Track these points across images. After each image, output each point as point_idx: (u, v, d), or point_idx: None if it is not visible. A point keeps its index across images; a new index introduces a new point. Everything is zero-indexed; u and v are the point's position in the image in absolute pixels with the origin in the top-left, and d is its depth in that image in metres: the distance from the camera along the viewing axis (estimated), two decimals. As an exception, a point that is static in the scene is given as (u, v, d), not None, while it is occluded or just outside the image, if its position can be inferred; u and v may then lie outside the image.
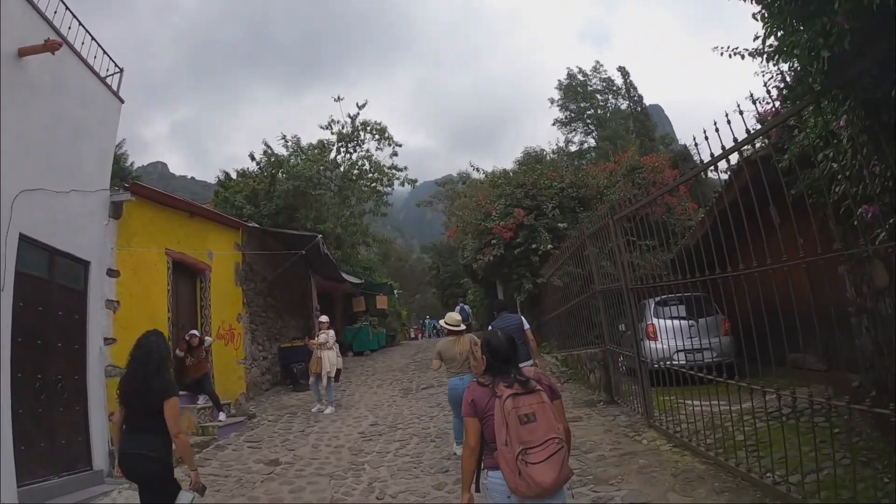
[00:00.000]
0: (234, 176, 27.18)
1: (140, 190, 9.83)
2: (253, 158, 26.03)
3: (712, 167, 5.33)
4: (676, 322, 7.39)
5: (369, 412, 10.57)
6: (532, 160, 17.46)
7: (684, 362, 6.34)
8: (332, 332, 11.42)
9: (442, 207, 46.63)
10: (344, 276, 18.99)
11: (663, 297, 7.16)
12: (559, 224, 15.13)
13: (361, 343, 21.15)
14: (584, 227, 9.68)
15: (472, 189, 32.61)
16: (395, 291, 33.48)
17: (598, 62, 56.18)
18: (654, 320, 8.54)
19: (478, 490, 3.13)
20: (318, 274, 18.21)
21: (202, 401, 10.33)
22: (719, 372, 5.27)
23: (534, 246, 14.95)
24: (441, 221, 49.87)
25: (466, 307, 30.13)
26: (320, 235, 13.66)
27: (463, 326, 7.21)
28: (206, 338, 10.89)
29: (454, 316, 7.29)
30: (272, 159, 25.05)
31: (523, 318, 8.04)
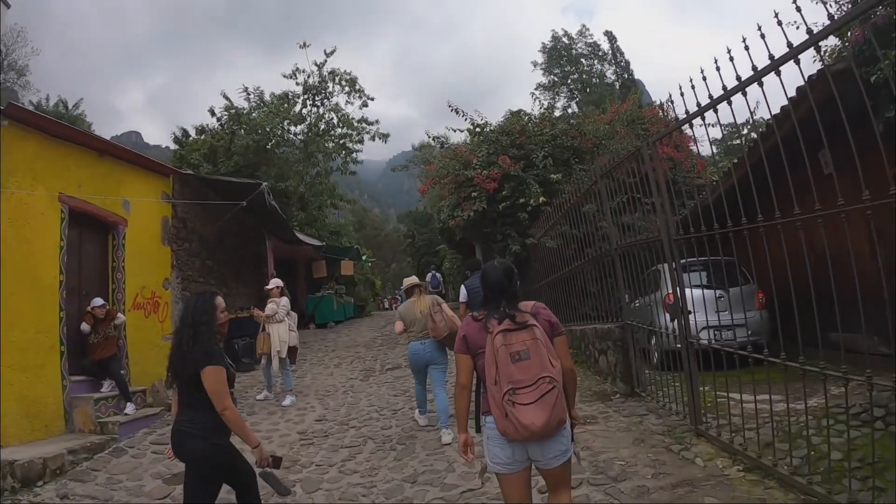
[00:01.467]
0: (193, 134, 24.85)
1: (19, 114, 7.53)
2: (213, 114, 23.48)
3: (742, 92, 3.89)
4: (698, 292, 5.79)
5: (318, 402, 8.50)
6: (516, 116, 15.31)
7: (710, 341, 5.09)
8: (284, 301, 9.22)
9: (418, 173, 44.40)
10: (301, 237, 16.70)
11: (683, 261, 5.64)
12: (552, 175, 12.93)
13: (324, 314, 18.96)
14: (597, 167, 7.55)
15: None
16: (367, 259, 31.25)
17: (584, 26, 53.68)
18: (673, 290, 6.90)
19: (478, 431, 2.96)
20: (274, 235, 15.94)
21: (107, 387, 8.23)
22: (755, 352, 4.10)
23: (522, 200, 12.75)
24: (418, 188, 47.77)
25: (438, 275, 28.78)
26: (265, 183, 11.38)
27: (417, 281, 6.92)
28: (119, 315, 8.68)
29: (409, 279, 7.00)
30: (232, 112, 22.52)
31: None
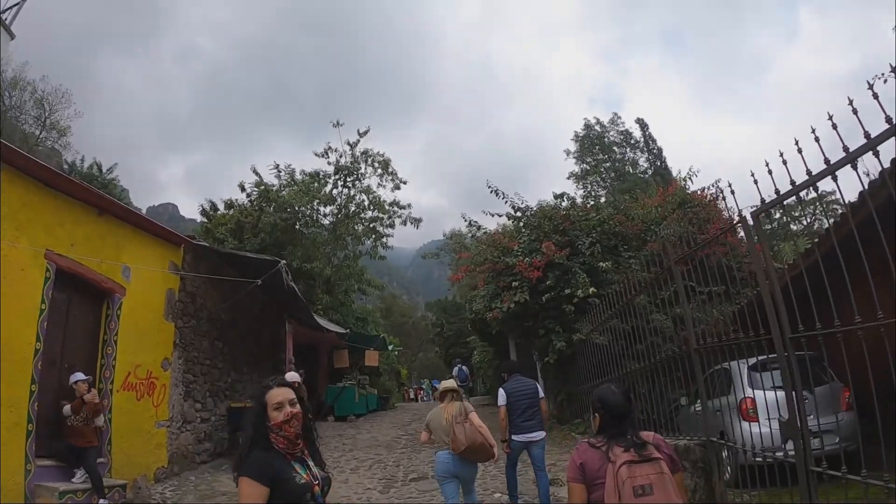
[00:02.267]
0: (222, 208, 24.37)
1: (7, 154, 6.62)
2: (243, 189, 23.04)
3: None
4: (780, 393, 4.58)
5: (327, 521, 6.92)
6: (558, 200, 14.14)
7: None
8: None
9: (448, 260, 43.57)
10: (322, 322, 15.45)
11: (761, 358, 4.74)
12: (600, 264, 11.63)
13: (344, 406, 17.39)
14: (670, 249, 6.29)
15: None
16: (393, 347, 29.79)
17: (615, 114, 53.82)
18: (750, 391, 6.16)
19: None
20: (295, 319, 14.72)
21: (79, 477, 7.00)
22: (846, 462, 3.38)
23: (567, 291, 11.41)
24: (448, 276, 46.86)
25: (465, 368, 26.62)
26: (283, 262, 10.25)
27: (454, 386, 6.25)
28: (92, 390, 7.41)
29: (446, 382, 6.39)
30: (261, 189, 22.02)
31: (538, 385, 7.26)
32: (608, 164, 41.05)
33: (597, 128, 42.52)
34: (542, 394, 7.04)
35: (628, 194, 32.29)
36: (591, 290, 10.95)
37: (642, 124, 43.66)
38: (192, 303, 10.46)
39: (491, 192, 13.83)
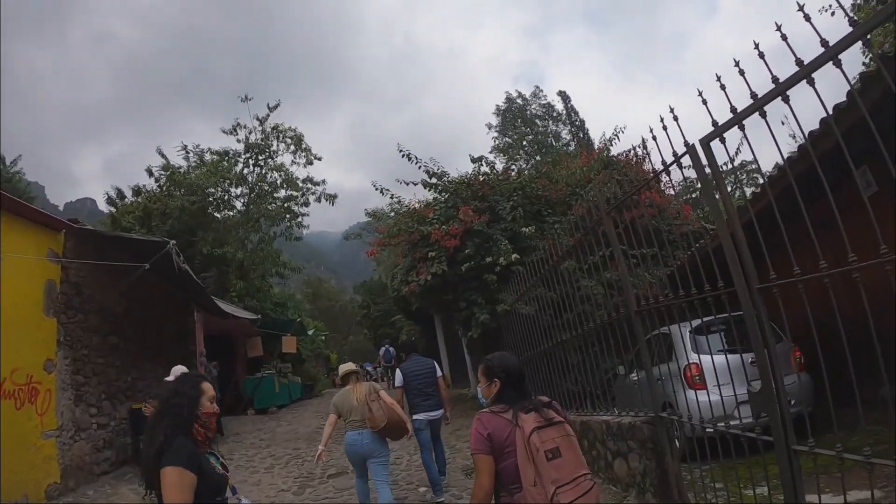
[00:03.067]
0: (129, 195, 22.72)
1: None
2: (151, 174, 21.49)
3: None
4: (725, 357, 4.31)
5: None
6: (477, 164, 13.14)
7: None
8: None
9: (372, 241, 42.62)
10: (228, 308, 14.40)
11: (705, 318, 4.44)
12: (523, 229, 10.97)
13: (264, 398, 16.40)
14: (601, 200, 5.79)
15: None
16: (315, 332, 28.72)
17: (537, 87, 54.00)
18: (695, 357, 5.83)
19: None
20: (204, 307, 13.66)
21: None
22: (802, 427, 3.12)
23: (489, 260, 10.68)
24: (374, 257, 45.83)
25: (391, 349, 26.82)
26: (173, 242, 9.28)
27: (354, 368, 6.25)
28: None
29: (345, 366, 6.33)
30: (169, 172, 20.53)
31: (436, 364, 7.28)
32: (531, 138, 40.95)
33: (518, 101, 42.24)
34: (440, 372, 7.12)
35: (551, 161, 32.29)
36: (514, 256, 10.33)
37: (564, 97, 43.65)
38: (77, 295, 9.32)
39: (403, 156, 12.89)
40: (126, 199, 22.74)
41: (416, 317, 19.67)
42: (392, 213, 35.95)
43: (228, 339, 16.67)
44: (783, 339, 6.19)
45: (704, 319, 4.49)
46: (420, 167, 12.59)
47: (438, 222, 11.46)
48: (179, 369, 6.79)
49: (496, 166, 13.57)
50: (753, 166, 18.71)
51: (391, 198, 13.04)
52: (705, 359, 5.13)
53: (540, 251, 7.74)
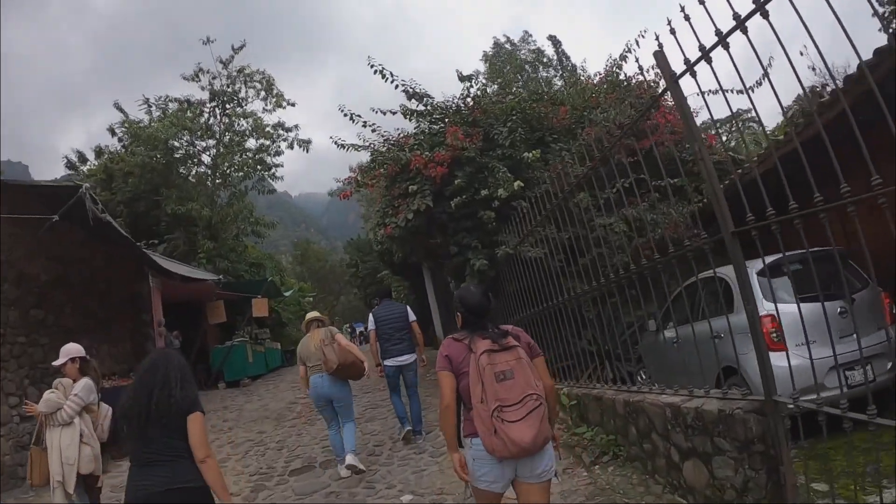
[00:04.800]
0: (92, 158, 20.85)
1: None
2: (113, 133, 19.51)
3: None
4: (807, 307, 3.24)
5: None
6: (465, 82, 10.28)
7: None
8: (81, 386, 4.86)
9: (358, 197, 40.84)
10: (178, 269, 12.66)
11: (775, 257, 3.45)
12: (526, 154, 8.98)
13: (235, 368, 14.73)
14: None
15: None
16: (293, 292, 26.89)
17: (526, 32, 51.14)
18: (770, 306, 4.23)
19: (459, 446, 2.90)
20: (160, 271, 11.94)
21: None
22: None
23: (484, 193, 8.72)
24: (360, 213, 44.14)
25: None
26: (86, 185, 7.55)
27: (317, 316, 6.60)
28: None
29: (309, 314, 6.71)
30: (130, 126, 18.59)
31: (408, 308, 7.27)
32: (520, 83, 38.83)
33: (507, 46, 39.94)
34: (412, 317, 7.09)
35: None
36: (518, 184, 8.47)
37: (555, 41, 41.19)
38: (-17, 261, 7.68)
39: (375, 72, 9.89)
40: (88, 163, 20.89)
41: (403, 271, 17.94)
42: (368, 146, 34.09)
43: (195, 305, 14.96)
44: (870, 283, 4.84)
45: (776, 259, 3.48)
46: (397, 86, 10.03)
47: (420, 149, 9.49)
48: (69, 349, 5.13)
49: (488, 90, 11.41)
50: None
51: (364, 125, 10.07)
52: (786, 309, 3.78)
53: (546, 182, 6.31)
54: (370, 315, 7.25)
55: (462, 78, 10.60)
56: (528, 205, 6.89)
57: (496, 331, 2.83)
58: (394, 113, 10.30)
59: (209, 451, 2.97)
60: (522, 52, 41.10)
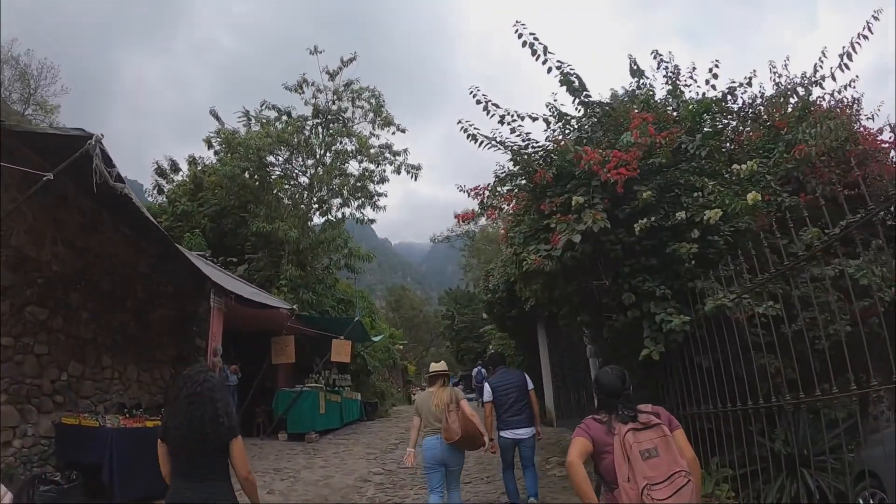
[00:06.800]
0: (185, 168, 19.70)
1: None
2: (210, 145, 18.14)
3: None
4: None
5: None
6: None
7: None
8: None
9: (461, 245, 38.62)
10: (243, 289, 10.28)
11: None
12: (737, 167, 5.86)
13: (301, 419, 11.93)
14: None
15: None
16: (394, 341, 24.56)
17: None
18: None
19: None
20: (224, 292, 9.55)
21: None
22: None
23: (680, 216, 5.60)
24: (461, 264, 41.88)
25: (484, 371, 22.77)
26: (99, 134, 5.20)
27: (445, 369, 5.93)
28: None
29: (437, 364, 5.98)
30: (224, 135, 17.13)
31: (526, 376, 6.64)
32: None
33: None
34: (531, 385, 6.51)
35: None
36: (754, 196, 5.22)
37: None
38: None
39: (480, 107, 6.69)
40: (181, 173, 19.70)
41: (512, 328, 14.76)
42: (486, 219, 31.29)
43: (264, 339, 12.53)
44: None
45: None
46: (550, 69, 6.68)
47: (591, 144, 6.38)
48: None
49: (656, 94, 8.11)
50: None
51: (501, 121, 6.55)
52: None
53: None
54: (486, 385, 6.74)
55: (634, 72, 7.66)
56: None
57: (630, 412, 2.83)
58: (533, 118, 6.93)
59: (250, 469, 3.41)
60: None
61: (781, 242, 4.46)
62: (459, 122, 6.47)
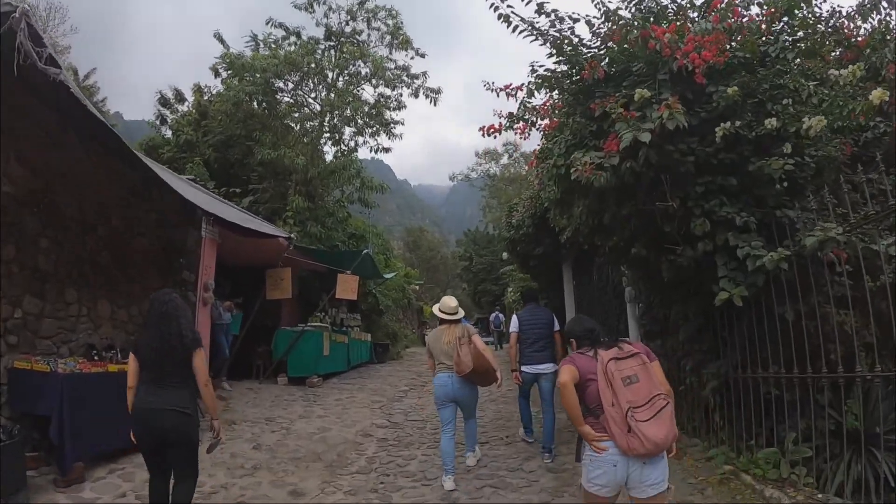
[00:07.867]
0: (190, 98, 18.62)
1: None
2: (217, 74, 16.88)
3: None
4: None
5: None
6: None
7: None
8: None
9: (481, 185, 37.20)
10: (225, 214, 9.22)
11: None
12: (833, 72, 4.34)
13: (302, 361, 10.94)
14: None
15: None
16: (409, 280, 23.58)
17: None
18: None
19: (577, 460, 3.16)
20: (215, 219, 8.59)
21: None
22: None
23: (770, 125, 4.24)
24: (481, 206, 40.60)
25: (501, 316, 25.01)
26: (24, 6, 4.12)
27: (461, 313, 5.79)
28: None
29: (448, 302, 5.79)
30: (228, 59, 15.82)
31: (554, 317, 6.60)
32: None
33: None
34: (557, 326, 6.48)
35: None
36: (880, 94, 3.84)
37: None
38: None
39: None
40: (186, 103, 18.56)
41: (535, 269, 13.58)
42: (507, 157, 29.54)
43: (263, 273, 11.53)
44: None
45: None
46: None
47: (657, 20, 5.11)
48: None
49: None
50: None
51: (538, 10, 5.11)
52: None
53: None
54: (514, 317, 6.71)
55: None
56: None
57: (617, 340, 3.14)
58: (575, 21, 5.18)
59: (208, 378, 3.93)
60: None
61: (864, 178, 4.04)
62: (492, 4, 5.06)
